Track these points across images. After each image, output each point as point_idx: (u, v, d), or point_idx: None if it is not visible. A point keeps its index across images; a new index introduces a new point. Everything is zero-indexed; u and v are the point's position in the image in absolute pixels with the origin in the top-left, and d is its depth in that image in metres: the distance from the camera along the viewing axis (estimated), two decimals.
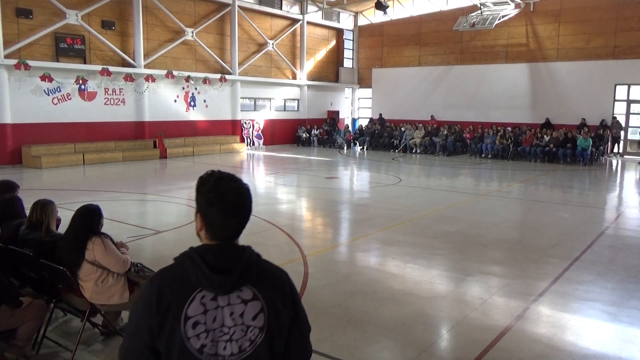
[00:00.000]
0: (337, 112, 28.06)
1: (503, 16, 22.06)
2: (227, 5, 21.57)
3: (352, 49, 28.65)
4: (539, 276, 6.20)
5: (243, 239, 1.69)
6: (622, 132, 20.84)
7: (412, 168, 17.86)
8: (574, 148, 18.72)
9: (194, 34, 20.64)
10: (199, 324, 1.58)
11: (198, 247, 1.65)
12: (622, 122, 20.76)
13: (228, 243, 1.66)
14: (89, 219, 4.06)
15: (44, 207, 4.37)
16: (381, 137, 23.77)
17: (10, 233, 4.50)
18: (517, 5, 22.34)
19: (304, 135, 25.22)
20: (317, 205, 11.03)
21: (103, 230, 4.19)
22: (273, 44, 24.18)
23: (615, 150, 21.05)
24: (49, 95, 16.61)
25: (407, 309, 5.19)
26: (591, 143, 18.47)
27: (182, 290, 1.59)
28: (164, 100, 19.91)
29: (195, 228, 1.69)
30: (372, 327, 4.75)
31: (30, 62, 15.76)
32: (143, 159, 18.44)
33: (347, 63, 28.74)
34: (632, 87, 20.65)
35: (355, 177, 16.41)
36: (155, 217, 9.68)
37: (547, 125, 21.34)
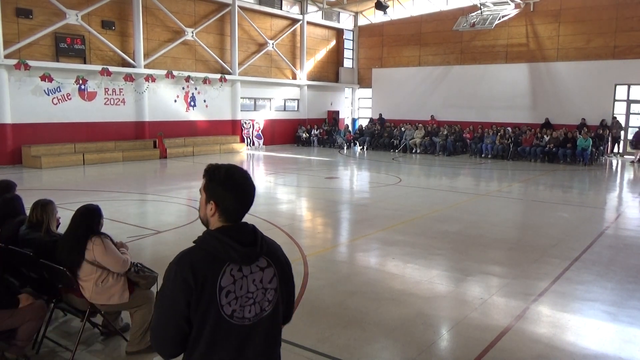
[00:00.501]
0: (337, 112, 28.07)
1: (503, 16, 22.06)
2: (227, 5, 21.57)
3: (352, 49, 28.65)
4: (539, 276, 6.20)
5: None
6: (622, 132, 20.84)
7: (412, 168, 17.86)
8: (574, 148, 18.73)
9: (194, 34, 20.64)
10: (230, 293, 1.85)
11: (218, 229, 1.90)
12: (622, 122, 20.76)
13: (242, 223, 1.94)
14: (88, 219, 4.06)
15: (45, 207, 4.37)
16: (381, 137, 23.77)
17: (11, 233, 4.50)
18: (517, 5, 22.34)
19: (304, 135, 25.22)
20: (317, 205, 11.03)
21: (103, 230, 4.18)
22: (273, 44, 24.19)
23: (615, 150, 21.05)
24: (49, 95, 16.61)
25: (407, 309, 5.19)
26: (591, 143, 18.48)
27: (214, 266, 1.84)
28: (164, 100, 19.91)
29: (205, 215, 1.94)
30: (372, 327, 4.75)
31: (30, 62, 15.77)
32: (143, 159, 18.44)
33: (347, 63, 28.74)
34: (632, 87, 20.65)
35: (355, 177, 16.41)
36: (155, 217, 9.68)
37: (547, 125, 21.35)
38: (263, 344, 1.94)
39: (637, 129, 19.62)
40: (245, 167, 18.01)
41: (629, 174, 16.93)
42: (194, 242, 1.90)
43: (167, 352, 1.89)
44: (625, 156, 20.04)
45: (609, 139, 20.38)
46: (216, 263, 1.84)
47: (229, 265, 1.86)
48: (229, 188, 1.88)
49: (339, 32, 28.14)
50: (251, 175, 1.96)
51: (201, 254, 1.86)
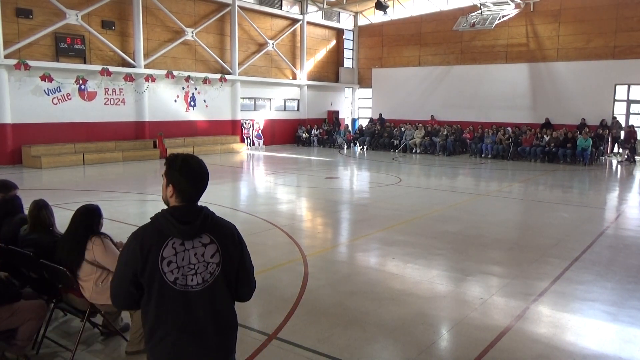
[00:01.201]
0: (337, 112, 28.07)
1: (503, 16, 22.06)
2: (227, 5, 21.57)
3: (352, 49, 28.65)
4: (539, 276, 6.20)
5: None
6: (622, 132, 20.82)
7: (412, 168, 17.86)
8: (574, 148, 18.73)
9: (194, 34, 20.64)
10: (172, 262, 2.14)
11: (168, 208, 2.21)
12: (622, 122, 20.75)
13: (190, 204, 2.22)
14: (88, 219, 4.06)
15: (46, 208, 4.37)
16: (381, 137, 23.77)
17: (11, 233, 4.50)
18: (517, 5, 22.34)
19: (304, 135, 25.22)
20: (317, 205, 11.03)
21: (103, 230, 4.18)
22: (273, 44, 24.19)
23: (615, 150, 21.04)
24: (49, 95, 16.61)
25: (407, 309, 5.19)
26: (591, 143, 18.48)
27: (158, 239, 2.15)
28: (164, 100, 19.91)
29: (165, 196, 2.24)
30: (372, 327, 4.75)
31: (30, 62, 15.77)
32: (143, 159, 18.44)
33: (347, 63, 28.74)
34: (632, 87, 20.65)
35: (355, 177, 16.41)
36: None
37: (547, 125, 21.35)
38: (212, 310, 2.21)
39: (628, 129, 19.60)
40: (245, 167, 18.01)
41: (629, 174, 16.93)
42: (150, 218, 2.21)
43: (119, 306, 2.42)
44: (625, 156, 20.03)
45: (609, 139, 20.38)
46: (161, 237, 2.15)
47: (172, 239, 2.16)
48: (184, 174, 2.20)
49: (339, 32, 28.14)
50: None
51: (150, 229, 2.19)
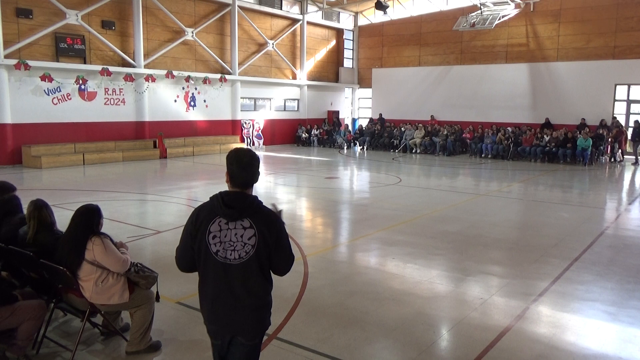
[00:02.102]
0: (337, 112, 28.06)
1: (503, 16, 22.06)
2: (227, 5, 21.57)
3: (352, 49, 28.65)
4: (539, 276, 6.20)
5: None
6: (631, 129, 20.76)
7: (412, 168, 17.86)
8: (574, 148, 18.74)
9: (194, 34, 20.64)
10: (216, 237, 2.60)
11: (222, 192, 2.65)
12: (622, 122, 20.74)
13: (241, 191, 2.65)
14: (88, 219, 4.06)
15: (46, 208, 4.37)
16: (381, 137, 23.77)
17: (10, 233, 4.50)
18: (517, 5, 22.34)
19: (304, 135, 25.22)
20: (317, 205, 11.02)
21: (103, 230, 4.18)
22: (273, 44, 24.19)
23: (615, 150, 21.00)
24: (49, 95, 16.61)
25: (407, 309, 5.19)
26: (591, 143, 18.48)
27: (209, 215, 2.62)
28: (164, 100, 19.91)
29: (227, 181, 2.69)
30: (372, 327, 4.75)
31: (30, 62, 15.77)
32: (143, 159, 18.45)
33: (347, 63, 28.73)
34: (632, 87, 20.65)
35: (355, 177, 16.41)
36: (155, 217, 9.68)
37: (547, 125, 21.35)
38: (244, 282, 2.63)
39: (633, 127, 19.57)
40: None
41: (629, 174, 16.93)
42: (209, 198, 2.68)
43: (181, 267, 2.80)
44: (625, 156, 20.01)
45: (609, 139, 20.35)
46: (211, 214, 2.62)
47: (219, 217, 2.60)
48: (234, 161, 2.63)
49: (339, 32, 28.14)
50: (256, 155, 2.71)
51: (206, 206, 2.67)
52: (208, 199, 2.67)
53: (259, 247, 2.60)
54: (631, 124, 21.23)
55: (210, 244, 2.60)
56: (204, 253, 2.62)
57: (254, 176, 2.67)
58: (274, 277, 2.79)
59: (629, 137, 19.89)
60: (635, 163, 18.96)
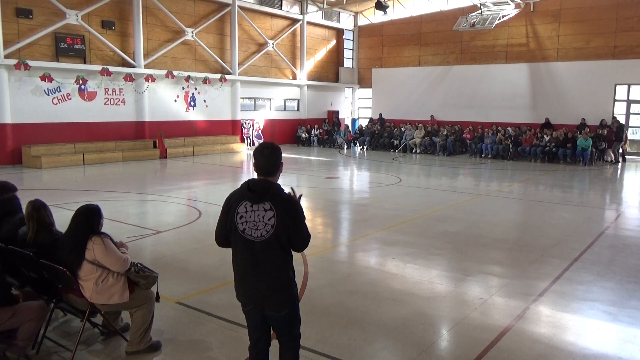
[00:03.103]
0: (337, 112, 28.06)
1: (503, 16, 22.05)
2: (227, 5, 21.57)
3: (352, 49, 28.65)
4: (539, 276, 6.20)
5: None
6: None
7: (412, 168, 17.86)
8: (574, 148, 18.74)
9: (194, 34, 20.64)
10: (242, 217, 3.04)
11: (249, 179, 3.09)
12: (622, 122, 20.73)
13: (264, 178, 3.07)
14: (89, 219, 4.06)
15: (45, 208, 4.37)
16: (381, 137, 23.78)
17: (10, 233, 4.49)
18: (517, 5, 22.34)
19: (304, 135, 25.22)
20: (317, 205, 11.02)
21: (103, 230, 4.18)
22: (273, 44, 24.19)
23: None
24: (49, 95, 16.61)
25: (407, 309, 5.19)
26: (591, 143, 18.49)
27: (238, 199, 3.09)
28: (164, 100, 19.91)
29: (254, 170, 3.13)
30: (372, 327, 4.75)
31: (30, 62, 15.77)
32: (143, 159, 18.45)
33: (347, 63, 28.73)
34: (632, 87, 20.64)
35: (355, 177, 16.41)
36: (155, 217, 9.68)
37: (547, 125, 21.35)
38: (265, 257, 3.05)
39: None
40: (245, 167, 18.04)
41: (629, 174, 16.93)
42: (241, 185, 3.13)
43: (218, 243, 3.25)
44: (625, 156, 20.00)
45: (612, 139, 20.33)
46: (240, 197, 3.08)
47: (245, 200, 3.05)
48: (257, 153, 3.08)
49: (339, 32, 28.14)
50: (277, 148, 3.13)
51: (236, 192, 3.14)
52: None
53: (277, 227, 2.99)
54: (631, 123, 21.29)
55: (238, 223, 3.04)
56: (234, 231, 3.06)
57: (274, 165, 3.07)
58: None
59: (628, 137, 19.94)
60: (614, 162, 19.03)
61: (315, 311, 5.07)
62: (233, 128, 22.73)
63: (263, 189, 3.02)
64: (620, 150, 19.74)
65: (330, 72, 28.19)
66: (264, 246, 3.02)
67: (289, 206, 3.05)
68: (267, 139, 24.16)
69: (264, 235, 3.00)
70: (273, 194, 3.02)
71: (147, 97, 19.17)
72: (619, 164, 18.91)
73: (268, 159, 3.07)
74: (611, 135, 19.42)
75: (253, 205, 3.02)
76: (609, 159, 19.43)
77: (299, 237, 3.11)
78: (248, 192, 3.02)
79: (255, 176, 3.14)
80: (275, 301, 3.11)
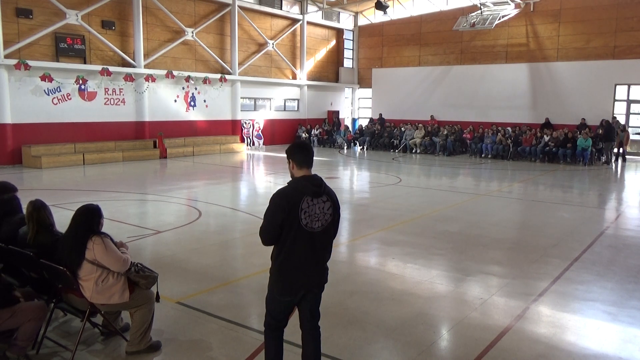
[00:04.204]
0: (337, 112, 28.06)
1: (503, 16, 22.05)
2: (227, 5, 21.57)
3: (352, 49, 28.65)
4: (539, 276, 6.20)
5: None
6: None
7: (412, 168, 17.86)
8: (574, 148, 18.74)
9: (194, 34, 20.64)
10: (305, 212, 3.25)
11: (303, 176, 3.31)
12: (622, 122, 20.74)
13: (314, 175, 3.34)
14: (89, 219, 4.06)
15: (45, 208, 4.37)
16: (381, 137, 23.77)
17: (10, 233, 4.50)
18: (517, 5, 22.34)
19: (304, 135, 25.21)
20: None
21: (103, 230, 4.18)
22: (273, 44, 24.19)
23: (615, 150, 20.99)
24: (49, 95, 16.61)
25: (407, 309, 5.19)
26: (591, 143, 18.49)
27: (298, 196, 3.24)
28: (164, 100, 19.91)
29: (290, 171, 3.38)
30: (372, 327, 4.75)
31: (30, 62, 15.77)
32: (143, 159, 18.45)
33: (347, 63, 28.73)
34: (632, 87, 20.64)
35: (355, 177, 16.41)
36: (155, 217, 9.68)
37: (547, 125, 21.35)
38: (322, 244, 3.39)
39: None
40: (245, 167, 18.04)
41: (629, 174, 16.93)
42: (287, 183, 3.33)
43: (266, 242, 3.34)
44: (625, 156, 20.00)
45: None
46: (299, 194, 3.24)
47: (306, 196, 3.25)
48: (295, 151, 3.34)
49: (339, 32, 28.13)
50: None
51: (289, 190, 3.27)
52: (285, 186, 3.32)
53: (333, 215, 3.39)
54: (631, 123, 21.30)
55: (301, 218, 3.23)
56: (296, 226, 3.23)
57: (312, 158, 3.38)
58: None
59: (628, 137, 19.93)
60: (607, 162, 19.01)
61: None
62: (233, 128, 22.73)
63: (322, 182, 3.34)
64: (616, 150, 19.73)
65: (330, 72, 28.19)
66: (322, 235, 3.35)
67: (336, 199, 3.45)
68: (267, 139, 24.22)
69: (323, 225, 3.33)
70: (326, 187, 3.37)
71: (147, 97, 19.17)
72: (612, 165, 18.82)
73: (313, 154, 3.40)
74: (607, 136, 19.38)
75: (314, 199, 3.27)
76: (603, 160, 19.38)
77: (338, 227, 3.54)
78: (312, 187, 3.26)
79: (293, 173, 3.38)
80: (324, 281, 3.50)
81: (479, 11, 21.86)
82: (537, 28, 22.40)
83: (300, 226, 3.24)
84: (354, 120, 29.29)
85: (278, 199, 3.24)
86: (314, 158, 3.46)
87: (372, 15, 27.24)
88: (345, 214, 10.23)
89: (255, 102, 24.06)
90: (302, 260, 3.32)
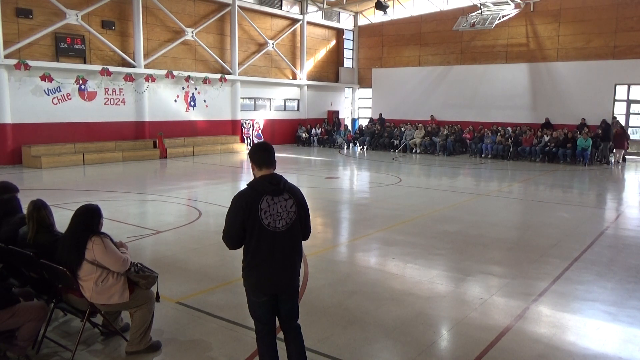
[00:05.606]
0: (337, 112, 28.06)
1: (503, 16, 22.05)
2: (227, 5, 21.57)
3: (352, 49, 28.65)
4: (539, 276, 6.20)
5: None
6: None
7: (412, 168, 17.85)
8: (574, 148, 18.74)
9: (194, 34, 20.64)
10: (266, 212, 3.21)
11: (261, 176, 3.28)
12: (622, 122, 20.73)
13: (273, 173, 3.30)
14: (88, 219, 4.06)
15: (46, 208, 4.37)
16: (381, 137, 23.77)
17: (10, 233, 4.50)
18: (517, 5, 22.34)
19: (304, 135, 25.22)
20: (317, 205, 11.01)
21: (103, 230, 4.18)
22: (273, 44, 24.19)
23: (615, 151, 20.99)
24: (49, 95, 16.61)
25: (407, 309, 5.19)
26: (591, 143, 18.48)
27: (257, 195, 3.22)
28: (164, 100, 19.91)
29: (253, 172, 3.33)
30: (372, 327, 4.75)
31: (30, 62, 15.77)
32: (143, 159, 18.45)
33: (347, 63, 28.73)
34: (632, 87, 20.64)
35: (355, 177, 16.41)
36: (155, 217, 9.68)
37: (547, 125, 21.35)
38: (289, 244, 3.32)
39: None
40: (245, 167, 18.05)
41: (629, 174, 16.93)
42: (247, 184, 3.29)
43: (230, 246, 3.32)
44: (625, 156, 19.99)
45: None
46: (258, 195, 3.22)
47: (265, 195, 3.22)
48: (256, 151, 3.33)
49: (339, 32, 28.13)
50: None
51: (247, 191, 3.26)
52: (244, 187, 3.30)
53: (298, 213, 3.33)
54: (631, 123, 21.30)
55: (262, 218, 3.20)
56: (258, 227, 3.20)
57: (274, 156, 3.33)
58: None
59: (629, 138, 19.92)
60: (606, 162, 18.98)
61: (315, 311, 5.07)
62: (233, 128, 22.73)
63: (281, 180, 3.29)
64: (614, 151, 19.71)
65: (330, 72, 28.19)
66: (287, 234, 3.29)
67: (302, 196, 3.39)
68: (267, 139, 24.16)
69: (288, 224, 3.28)
70: (287, 185, 3.32)
71: (147, 97, 19.17)
72: (611, 165, 18.82)
73: (273, 153, 3.33)
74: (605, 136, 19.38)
75: (274, 198, 3.23)
76: (601, 159, 19.36)
77: (308, 226, 3.47)
78: (269, 186, 3.22)
79: (251, 175, 3.36)
80: (294, 288, 3.42)
81: (479, 11, 21.86)
82: (537, 28, 22.40)
83: (262, 226, 3.20)
84: (354, 120, 29.29)
85: (237, 200, 3.24)
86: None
87: (372, 15, 27.24)
88: (345, 214, 10.24)
89: (255, 102, 24.06)
90: (267, 261, 3.27)
